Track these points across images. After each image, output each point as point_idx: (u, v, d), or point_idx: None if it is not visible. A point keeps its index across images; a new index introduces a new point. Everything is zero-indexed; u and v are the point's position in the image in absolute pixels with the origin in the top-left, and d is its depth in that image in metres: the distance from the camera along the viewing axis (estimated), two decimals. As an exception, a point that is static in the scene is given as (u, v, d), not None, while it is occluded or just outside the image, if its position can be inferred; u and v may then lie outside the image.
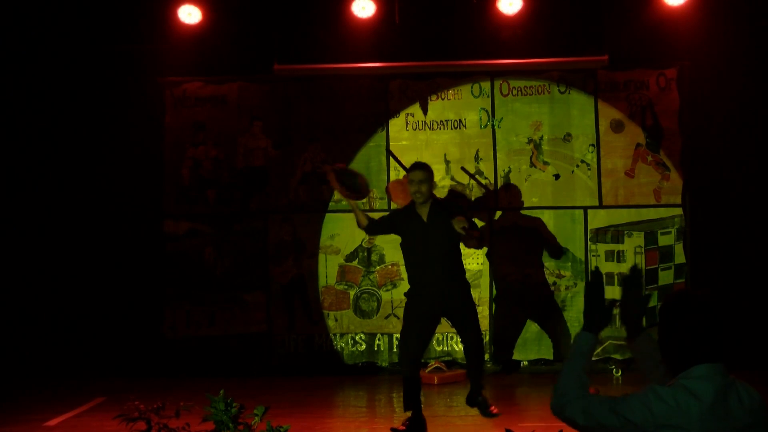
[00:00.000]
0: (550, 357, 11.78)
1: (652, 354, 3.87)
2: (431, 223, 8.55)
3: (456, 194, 9.29)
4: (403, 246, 8.82)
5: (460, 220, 8.34)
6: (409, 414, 8.53)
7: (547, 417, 8.68)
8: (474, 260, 11.74)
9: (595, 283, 3.83)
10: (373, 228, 9.02)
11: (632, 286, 3.93)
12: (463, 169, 9.87)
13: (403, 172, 11.05)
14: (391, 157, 10.12)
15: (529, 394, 10.90)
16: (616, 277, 11.45)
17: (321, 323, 11.97)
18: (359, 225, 8.92)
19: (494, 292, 11.83)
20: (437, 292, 8.51)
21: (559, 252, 11.74)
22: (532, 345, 11.83)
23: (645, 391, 3.50)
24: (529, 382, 11.43)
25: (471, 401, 8.75)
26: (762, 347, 11.05)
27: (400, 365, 8.96)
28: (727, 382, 3.48)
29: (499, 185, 11.86)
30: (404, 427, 8.46)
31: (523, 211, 11.83)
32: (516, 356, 11.85)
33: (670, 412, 3.41)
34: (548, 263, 11.81)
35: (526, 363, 11.93)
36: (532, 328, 11.83)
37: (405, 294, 8.84)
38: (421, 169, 8.70)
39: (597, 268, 4.06)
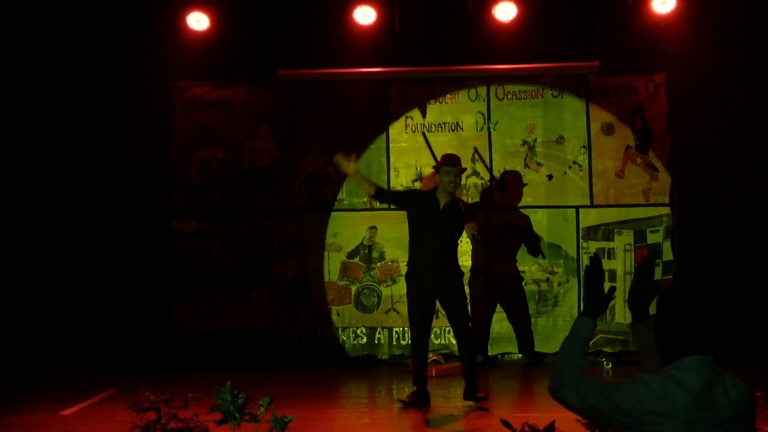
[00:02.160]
0: (545, 350, 12.00)
1: (652, 341, 3.91)
2: (445, 211, 9.23)
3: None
4: (412, 224, 9.51)
5: (472, 227, 9.06)
6: (414, 388, 9.44)
7: (541, 407, 8.98)
8: (470, 258, 12.05)
9: (594, 269, 3.92)
10: (382, 196, 9.68)
11: (644, 273, 4.07)
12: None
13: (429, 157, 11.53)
14: (425, 141, 10.38)
15: (523, 386, 11.12)
16: (607, 274, 11.68)
17: (323, 318, 12.15)
18: (368, 193, 9.81)
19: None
20: (433, 274, 9.25)
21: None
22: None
23: (635, 379, 3.56)
24: (522, 374, 11.61)
25: (468, 396, 9.47)
26: (747, 341, 11.19)
27: (411, 346, 9.77)
28: (715, 374, 3.54)
29: (495, 185, 12.11)
30: (408, 399, 9.32)
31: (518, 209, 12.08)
32: (510, 349, 12.11)
33: (657, 400, 3.48)
34: (541, 260, 12.04)
35: (519, 356, 12.17)
36: (529, 323, 12.08)
37: (405, 276, 9.57)
38: (459, 163, 9.43)
39: (596, 254, 4.13)
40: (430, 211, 9.33)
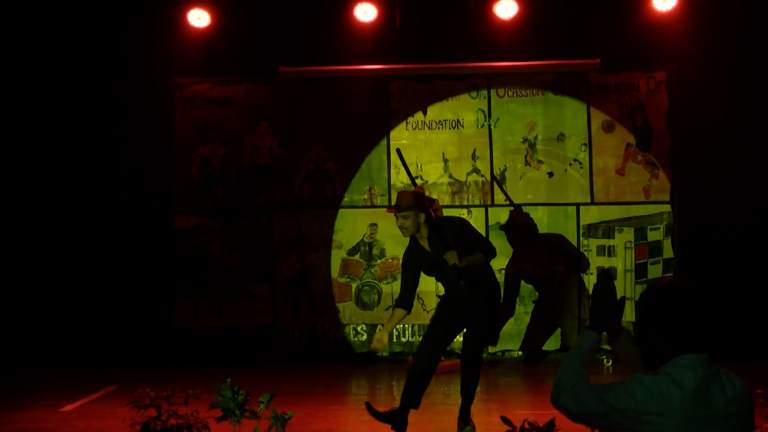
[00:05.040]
0: (545, 347, 12.06)
1: (636, 350, 3.89)
2: (435, 253, 7.98)
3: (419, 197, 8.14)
4: (427, 275, 8.34)
5: (452, 256, 7.80)
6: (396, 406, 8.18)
7: (540, 405, 8.98)
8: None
9: (602, 284, 3.90)
10: (409, 298, 8.15)
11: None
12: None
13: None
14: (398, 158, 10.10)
15: (523, 383, 11.15)
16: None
17: (323, 315, 12.20)
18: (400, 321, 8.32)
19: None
20: (466, 302, 8.08)
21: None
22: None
23: (631, 380, 3.53)
24: (523, 371, 11.64)
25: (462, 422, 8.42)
26: (745, 338, 11.27)
27: (415, 357, 8.31)
28: (711, 372, 3.52)
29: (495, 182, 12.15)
30: (382, 412, 8.08)
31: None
32: (511, 346, 12.13)
33: (653, 400, 3.46)
34: (542, 258, 12.09)
35: (521, 353, 12.21)
36: (526, 319, 12.10)
37: (438, 296, 8.92)
38: (398, 205, 8.00)
39: (605, 270, 4.10)
40: (425, 261, 8.10)
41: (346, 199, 12.24)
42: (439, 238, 7.91)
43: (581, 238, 12.02)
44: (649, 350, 3.66)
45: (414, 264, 8.16)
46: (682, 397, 3.47)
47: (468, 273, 7.93)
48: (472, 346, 8.26)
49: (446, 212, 11.98)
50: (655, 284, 3.77)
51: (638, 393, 3.49)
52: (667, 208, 11.94)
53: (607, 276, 3.95)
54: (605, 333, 3.95)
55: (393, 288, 12.14)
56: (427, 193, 11.67)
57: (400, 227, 8.00)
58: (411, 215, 7.90)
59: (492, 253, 8.18)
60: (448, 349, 11.86)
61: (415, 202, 7.94)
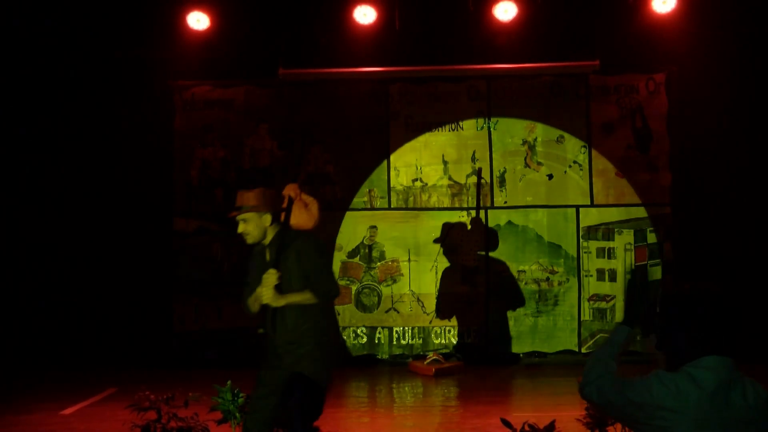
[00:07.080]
0: (545, 350, 12.06)
1: None
2: (273, 264, 6.31)
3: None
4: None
5: (269, 285, 6.28)
6: None
7: (540, 407, 8.97)
8: (470, 256, 12.16)
9: (635, 280, 3.99)
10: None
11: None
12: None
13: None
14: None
15: (524, 386, 11.11)
16: (606, 273, 11.76)
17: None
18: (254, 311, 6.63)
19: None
20: (279, 349, 6.65)
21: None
22: (527, 338, 12.10)
23: (650, 375, 3.59)
24: (523, 373, 11.59)
25: None
26: (745, 339, 11.27)
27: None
28: (733, 376, 3.54)
29: (495, 184, 12.12)
30: None
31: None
32: (513, 349, 12.11)
33: (669, 396, 3.50)
34: (542, 259, 12.10)
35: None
36: (526, 321, 12.09)
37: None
38: (239, 206, 6.36)
39: (637, 266, 4.19)
40: (261, 270, 6.39)
41: (345, 201, 12.21)
42: (283, 250, 6.29)
43: (581, 240, 12.02)
44: (671, 352, 3.69)
45: (253, 263, 6.56)
46: (699, 396, 3.50)
47: (281, 318, 6.49)
48: (294, 417, 6.45)
49: (445, 214, 12.02)
50: (678, 286, 3.78)
51: (654, 388, 3.54)
52: (666, 209, 11.92)
53: (641, 272, 3.99)
54: (641, 327, 4.00)
55: (393, 290, 12.18)
56: (425, 196, 11.73)
57: (242, 233, 6.37)
58: (252, 217, 6.30)
59: (329, 296, 6.42)
60: (447, 351, 11.88)
61: (258, 202, 6.29)
